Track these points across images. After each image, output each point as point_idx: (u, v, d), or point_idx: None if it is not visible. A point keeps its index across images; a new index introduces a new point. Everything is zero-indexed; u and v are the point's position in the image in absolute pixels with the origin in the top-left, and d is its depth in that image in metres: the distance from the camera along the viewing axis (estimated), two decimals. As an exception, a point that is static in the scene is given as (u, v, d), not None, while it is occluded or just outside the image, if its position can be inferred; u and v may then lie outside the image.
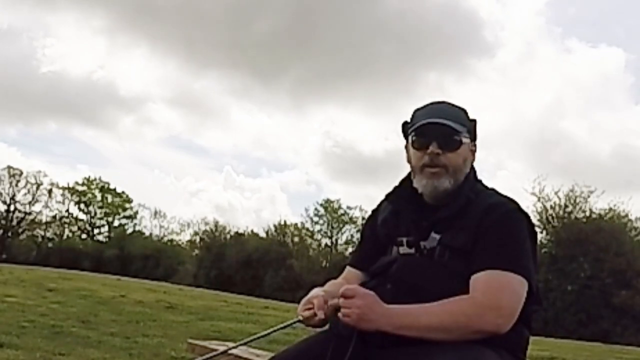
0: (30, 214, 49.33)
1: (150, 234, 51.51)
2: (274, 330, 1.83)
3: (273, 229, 44.47)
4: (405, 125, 1.91)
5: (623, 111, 55.33)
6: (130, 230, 52.08)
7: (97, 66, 75.78)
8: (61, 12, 65.33)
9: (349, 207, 45.63)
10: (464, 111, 1.90)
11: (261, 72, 58.92)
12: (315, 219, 45.62)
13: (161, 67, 67.66)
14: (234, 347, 2.30)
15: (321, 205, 46.17)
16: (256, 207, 62.50)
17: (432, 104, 1.91)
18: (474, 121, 1.90)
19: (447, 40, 54.77)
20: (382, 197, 1.99)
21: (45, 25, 66.67)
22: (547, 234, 31.26)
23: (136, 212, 52.59)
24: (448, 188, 1.80)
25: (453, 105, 1.90)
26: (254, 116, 66.26)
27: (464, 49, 57.26)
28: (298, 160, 68.57)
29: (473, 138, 1.88)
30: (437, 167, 1.80)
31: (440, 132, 1.80)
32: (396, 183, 1.96)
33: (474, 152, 1.90)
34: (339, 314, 1.69)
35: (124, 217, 52.93)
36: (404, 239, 1.85)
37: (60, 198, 50.53)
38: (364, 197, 59.10)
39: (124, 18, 62.97)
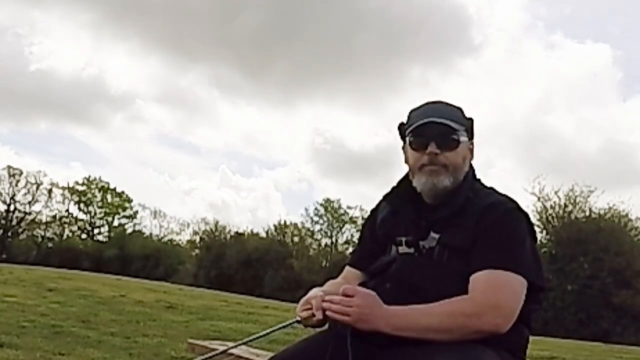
0: (30, 213, 49.32)
1: (150, 234, 51.54)
2: (274, 331, 1.83)
3: (273, 228, 44.53)
4: (401, 126, 1.91)
5: (611, 107, 54.81)
6: (130, 230, 52.09)
7: (85, 63, 74.26)
8: (47, 8, 64.74)
9: (349, 207, 45.64)
10: (460, 110, 1.90)
11: (249, 68, 57.90)
12: (315, 218, 45.64)
13: (148, 63, 67.00)
14: (234, 347, 2.30)
15: (321, 205, 46.18)
16: (251, 206, 62.32)
17: (427, 103, 1.90)
18: (471, 119, 1.90)
19: (433, 36, 54.29)
20: (379, 195, 2.00)
21: (31, 21, 66.01)
22: (547, 233, 31.25)
23: (136, 212, 52.62)
24: (447, 186, 1.80)
25: (449, 104, 1.90)
26: (243, 113, 65.26)
27: (450, 44, 56.52)
28: (289, 157, 68.33)
29: (470, 136, 1.89)
30: (437, 165, 1.80)
31: (438, 131, 1.80)
32: (393, 183, 1.95)
33: (472, 150, 1.90)
34: (329, 313, 1.68)
35: (124, 217, 52.94)
36: (403, 239, 1.85)
37: (60, 198, 50.54)
38: (356, 194, 58.93)
39: (111, 13, 62.36)
